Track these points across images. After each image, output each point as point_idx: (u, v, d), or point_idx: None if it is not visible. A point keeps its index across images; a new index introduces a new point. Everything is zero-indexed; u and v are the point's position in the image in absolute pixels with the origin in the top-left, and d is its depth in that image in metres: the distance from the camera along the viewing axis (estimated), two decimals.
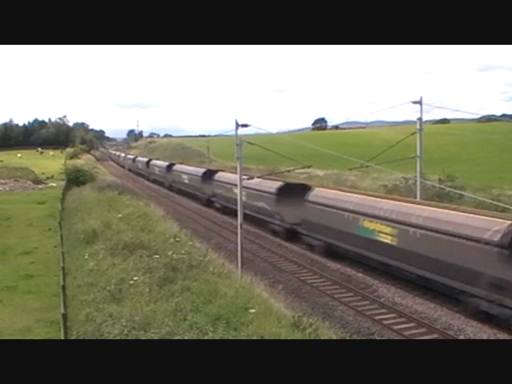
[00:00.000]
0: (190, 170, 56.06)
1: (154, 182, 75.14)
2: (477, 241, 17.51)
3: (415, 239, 20.27)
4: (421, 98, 25.93)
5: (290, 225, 31.54)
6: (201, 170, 51.80)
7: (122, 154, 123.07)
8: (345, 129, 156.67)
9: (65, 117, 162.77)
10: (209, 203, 47.86)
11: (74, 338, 11.62)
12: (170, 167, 65.13)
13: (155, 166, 76.19)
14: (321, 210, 27.47)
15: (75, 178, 50.31)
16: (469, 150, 71.41)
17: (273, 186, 33.98)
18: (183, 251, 19.22)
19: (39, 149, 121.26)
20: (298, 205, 29.82)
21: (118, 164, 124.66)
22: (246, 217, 35.37)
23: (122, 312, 12.74)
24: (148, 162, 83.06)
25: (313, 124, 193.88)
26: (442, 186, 28.60)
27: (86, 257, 19.30)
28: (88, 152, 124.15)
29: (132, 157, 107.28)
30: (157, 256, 18.11)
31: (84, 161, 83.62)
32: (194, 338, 10.95)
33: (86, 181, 49.43)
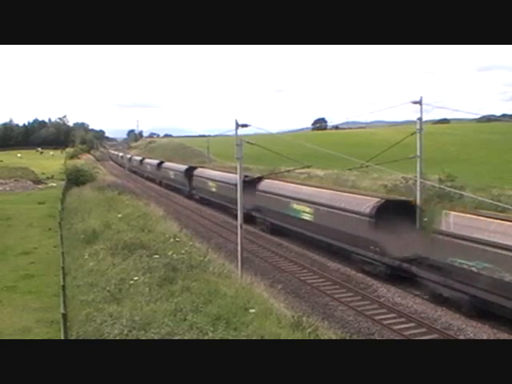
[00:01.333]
0: (335, 201, 26.56)
1: (201, 201, 50.00)
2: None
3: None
4: (421, 98, 25.91)
5: None
6: (370, 202, 24.68)
7: (137, 158, 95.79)
8: (345, 129, 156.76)
9: (65, 117, 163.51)
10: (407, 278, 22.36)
11: (73, 338, 11.60)
12: (255, 184, 35.39)
13: (209, 179, 47.04)
14: None
15: (75, 178, 50.34)
16: (469, 150, 71.47)
17: None
18: (183, 251, 19.22)
19: (39, 149, 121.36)
20: None
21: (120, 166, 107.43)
22: None
23: (122, 312, 12.72)
24: (189, 173, 54.73)
25: (313, 124, 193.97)
26: (442, 186, 28.55)
27: (86, 257, 19.28)
28: (88, 152, 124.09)
29: (154, 162, 77.27)
30: (157, 256, 18.10)
31: (84, 161, 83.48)
32: (194, 337, 10.94)
33: (86, 181, 49.44)
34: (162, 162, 72.76)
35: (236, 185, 38.44)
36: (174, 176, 61.72)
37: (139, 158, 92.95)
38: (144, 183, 78.12)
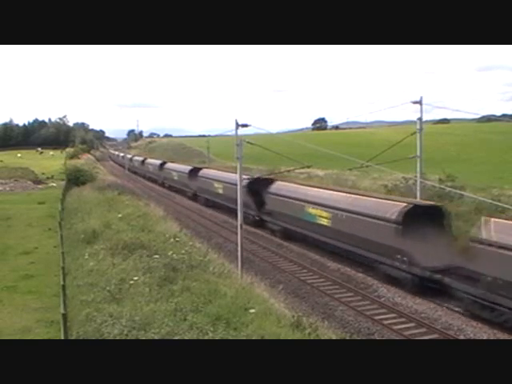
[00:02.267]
0: None
1: (285, 234, 32.20)
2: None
3: None
4: (421, 98, 25.96)
5: None
6: None
7: (155, 162, 77.35)
8: (345, 129, 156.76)
9: (65, 117, 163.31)
10: None
11: (73, 338, 11.60)
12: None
13: (311, 202, 28.83)
14: None
15: (75, 178, 50.38)
16: (469, 150, 71.52)
17: None
18: (183, 251, 19.21)
19: (39, 149, 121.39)
20: None
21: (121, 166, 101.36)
22: None
23: (122, 312, 12.72)
24: (258, 188, 34.71)
25: (313, 124, 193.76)
26: (442, 186, 28.57)
27: (86, 257, 19.28)
28: (88, 152, 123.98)
29: (186, 169, 57.38)
30: (157, 256, 18.10)
31: (84, 161, 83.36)
32: (194, 337, 10.94)
33: (86, 181, 49.47)
34: (197, 170, 53.53)
35: (396, 223, 22.01)
36: (224, 191, 42.00)
37: (158, 162, 73.72)
38: (144, 183, 77.95)
